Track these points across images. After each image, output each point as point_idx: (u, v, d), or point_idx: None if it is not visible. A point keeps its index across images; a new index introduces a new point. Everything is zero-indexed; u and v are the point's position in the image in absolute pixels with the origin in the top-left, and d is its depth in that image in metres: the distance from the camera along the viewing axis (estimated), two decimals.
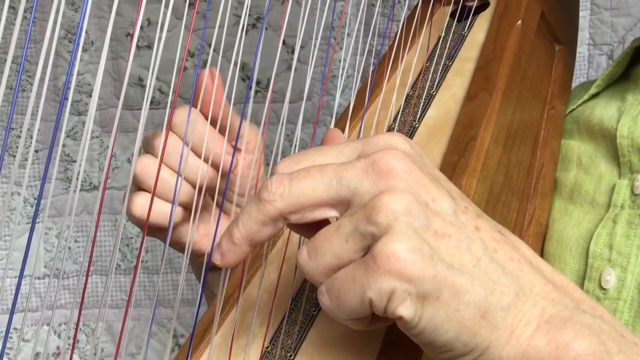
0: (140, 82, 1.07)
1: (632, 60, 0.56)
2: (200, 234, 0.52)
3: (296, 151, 0.45)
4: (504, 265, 0.32)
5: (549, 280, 0.33)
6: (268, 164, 1.03)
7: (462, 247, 0.31)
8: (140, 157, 0.47)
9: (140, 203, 0.46)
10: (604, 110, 0.53)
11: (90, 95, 1.06)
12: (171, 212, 0.44)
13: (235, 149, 0.49)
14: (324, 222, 0.35)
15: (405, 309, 0.31)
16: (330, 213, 0.34)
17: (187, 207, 0.49)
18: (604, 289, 0.46)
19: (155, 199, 0.47)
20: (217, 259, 0.36)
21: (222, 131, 0.47)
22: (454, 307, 0.30)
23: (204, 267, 0.46)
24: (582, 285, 0.47)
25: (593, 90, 0.56)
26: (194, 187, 0.48)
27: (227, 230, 0.36)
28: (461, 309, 0.31)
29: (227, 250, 0.35)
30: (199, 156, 0.47)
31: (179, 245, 0.52)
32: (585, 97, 0.56)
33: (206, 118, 0.46)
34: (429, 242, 0.31)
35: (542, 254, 0.51)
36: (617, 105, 0.53)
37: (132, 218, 0.47)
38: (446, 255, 0.31)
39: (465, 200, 0.34)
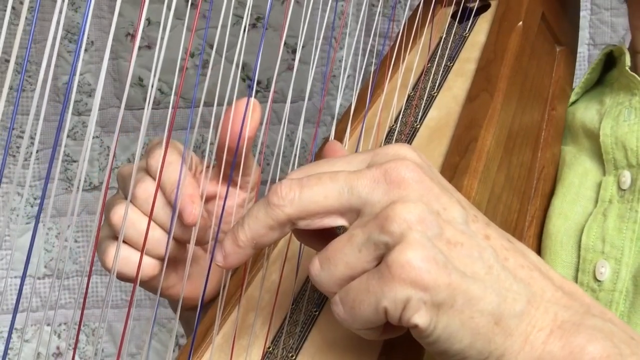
0: (140, 82, 1.07)
1: (605, 66, 0.58)
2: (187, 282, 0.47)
3: (297, 151, 0.45)
4: (515, 273, 0.32)
5: (558, 287, 0.33)
6: (268, 164, 1.03)
7: (474, 255, 0.31)
8: (115, 207, 0.42)
9: (121, 257, 0.42)
10: (584, 114, 0.55)
11: (90, 95, 1.06)
12: (164, 264, 0.41)
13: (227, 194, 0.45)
14: (328, 231, 0.35)
15: (420, 318, 0.31)
16: (339, 221, 0.34)
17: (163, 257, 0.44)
18: (599, 281, 0.47)
19: (131, 252, 0.42)
20: (219, 261, 0.36)
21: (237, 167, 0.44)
22: (468, 314, 0.31)
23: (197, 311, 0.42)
24: (575, 278, 0.48)
25: (573, 97, 0.58)
26: (174, 237, 0.43)
27: (231, 232, 0.35)
28: (475, 317, 0.31)
29: (231, 252, 0.35)
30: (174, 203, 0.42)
31: (156, 291, 0.46)
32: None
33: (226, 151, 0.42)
34: (442, 250, 0.31)
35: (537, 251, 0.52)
36: (596, 108, 0.54)
37: (108, 270, 0.42)
38: (459, 263, 0.31)
39: (474, 209, 0.34)
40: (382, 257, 0.31)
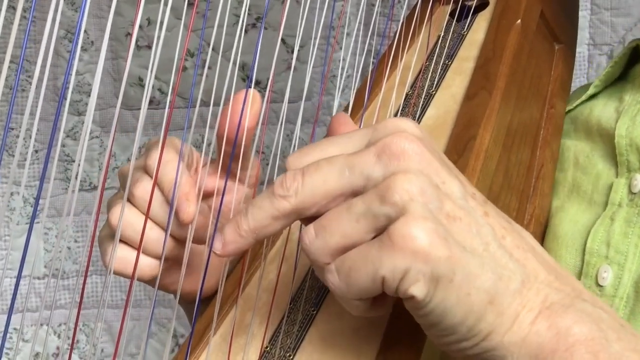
0: (140, 82, 1.07)
1: (630, 61, 0.56)
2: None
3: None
4: (511, 252, 0.32)
5: (552, 270, 0.33)
6: (267, 164, 1.03)
7: (472, 230, 0.31)
8: (115, 207, 0.42)
9: (121, 257, 0.42)
10: (602, 112, 0.54)
11: (90, 95, 1.06)
12: (160, 263, 0.42)
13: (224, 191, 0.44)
14: None
15: (417, 289, 0.31)
16: None
17: (168, 257, 0.44)
18: (601, 286, 0.46)
19: (130, 252, 0.42)
20: (217, 248, 0.35)
21: (235, 160, 0.43)
22: (465, 290, 0.31)
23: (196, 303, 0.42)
24: None
25: (591, 90, 0.56)
26: (175, 236, 0.43)
27: (233, 221, 0.35)
28: (472, 293, 0.31)
29: (231, 240, 0.35)
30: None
31: (163, 288, 0.47)
32: (584, 97, 0.57)
33: (225, 143, 0.41)
34: (443, 223, 0.31)
35: None
36: (615, 106, 0.53)
37: (115, 272, 0.42)
38: (459, 238, 0.31)
39: (473, 188, 0.34)
40: (381, 229, 0.31)
